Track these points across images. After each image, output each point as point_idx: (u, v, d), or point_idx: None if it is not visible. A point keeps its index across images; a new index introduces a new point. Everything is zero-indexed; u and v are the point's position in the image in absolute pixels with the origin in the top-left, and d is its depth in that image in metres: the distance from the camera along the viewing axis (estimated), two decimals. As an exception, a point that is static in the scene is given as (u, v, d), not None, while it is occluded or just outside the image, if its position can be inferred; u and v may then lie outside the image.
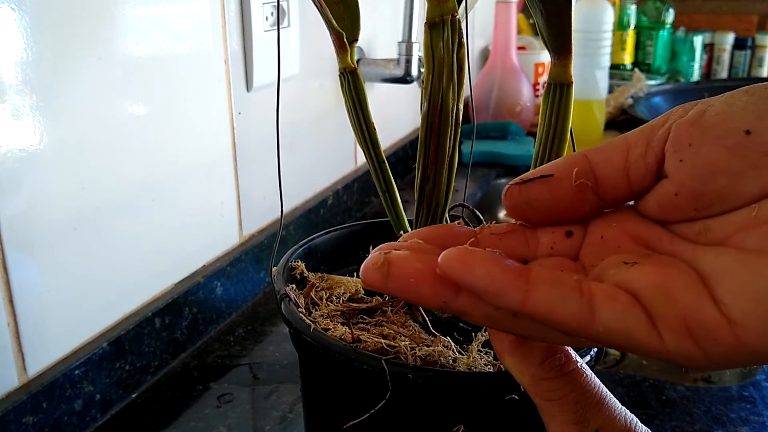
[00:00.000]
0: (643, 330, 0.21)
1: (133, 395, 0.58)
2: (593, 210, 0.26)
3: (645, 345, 0.21)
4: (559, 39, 0.32)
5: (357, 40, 0.39)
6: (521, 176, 0.26)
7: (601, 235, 0.25)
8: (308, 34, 0.81)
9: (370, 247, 0.26)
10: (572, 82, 0.33)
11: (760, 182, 0.22)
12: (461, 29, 0.31)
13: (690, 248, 0.23)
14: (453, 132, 0.32)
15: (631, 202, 0.26)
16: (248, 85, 0.71)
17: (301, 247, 0.43)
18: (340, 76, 0.39)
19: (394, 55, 0.90)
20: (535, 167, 0.34)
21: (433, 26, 0.31)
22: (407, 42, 0.89)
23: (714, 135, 0.22)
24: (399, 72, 0.90)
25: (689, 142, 0.23)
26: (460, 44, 0.31)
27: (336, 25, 0.37)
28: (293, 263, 0.42)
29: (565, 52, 0.32)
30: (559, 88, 0.33)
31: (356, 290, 0.41)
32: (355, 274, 0.43)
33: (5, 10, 0.45)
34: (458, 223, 0.27)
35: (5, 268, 0.47)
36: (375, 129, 0.39)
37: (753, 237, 0.21)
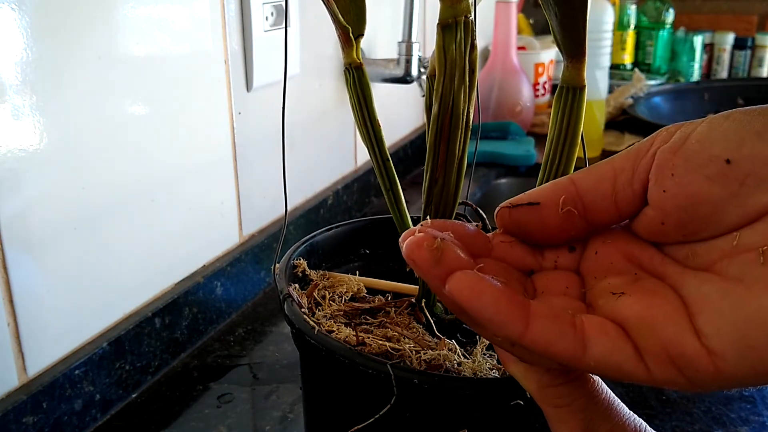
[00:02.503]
0: (631, 362, 0.22)
1: (133, 395, 0.58)
2: (582, 233, 0.26)
3: (634, 375, 0.22)
4: (573, 42, 0.31)
5: (363, 34, 0.39)
6: (511, 200, 0.27)
7: (596, 251, 0.26)
8: (308, 34, 0.81)
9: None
10: (585, 86, 0.33)
11: (741, 210, 0.22)
12: (474, 31, 0.31)
13: (678, 271, 0.24)
14: (463, 134, 0.32)
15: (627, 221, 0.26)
16: (248, 85, 0.71)
17: (302, 244, 0.43)
18: (345, 71, 0.38)
19: (394, 55, 0.90)
20: (545, 170, 0.34)
21: (445, 27, 0.31)
22: (407, 42, 0.88)
23: (695, 164, 0.23)
24: (399, 72, 0.90)
25: (672, 172, 0.23)
26: (473, 46, 0.31)
27: (342, 19, 0.37)
28: (295, 261, 0.41)
29: (579, 56, 0.32)
30: (571, 91, 0.32)
31: (358, 289, 0.40)
32: (357, 272, 0.43)
33: (5, 10, 0.45)
34: (477, 226, 0.28)
35: (5, 268, 0.47)
36: (380, 126, 0.39)
37: (734, 265, 0.22)
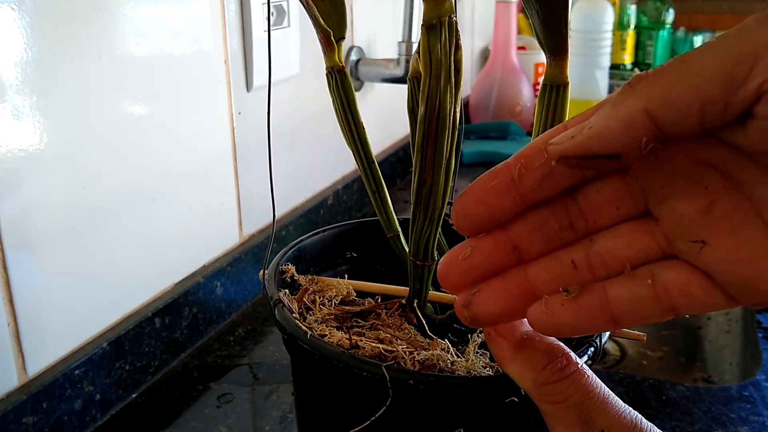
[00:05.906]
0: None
1: (133, 395, 0.58)
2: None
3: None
4: (555, 40, 0.32)
5: (344, 38, 0.39)
6: (575, 146, 0.23)
7: (655, 157, 0.23)
8: (308, 34, 0.81)
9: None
10: (568, 83, 0.33)
11: None
12: (458, 31, 0.31)
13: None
14: (450, 135, 0.32)
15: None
16: (248, 85, 0.71)
17: (290, 249, 0.43)
18: (327, 75, 0.39)
19: (394, 55, 0.90)
20: None
21: (430, 28, 0.31)
22: (407, 42, 0.88)
23: None
24: (399, 72, 0.90)
25: None
26: (458, 46, 0.31)
27: (323, 23, 0.37)
28: (283, 266, 0.41)
29: (561, 53, 0.32)
30: (554, 89, 0.33)
31: (347, 292, 0.40)
32: (345, 276, 0.43)
33: (5, 10, 0.45)
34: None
35: (5, 268, 0.47)
36: (364, 129, 0.39)
37: None
